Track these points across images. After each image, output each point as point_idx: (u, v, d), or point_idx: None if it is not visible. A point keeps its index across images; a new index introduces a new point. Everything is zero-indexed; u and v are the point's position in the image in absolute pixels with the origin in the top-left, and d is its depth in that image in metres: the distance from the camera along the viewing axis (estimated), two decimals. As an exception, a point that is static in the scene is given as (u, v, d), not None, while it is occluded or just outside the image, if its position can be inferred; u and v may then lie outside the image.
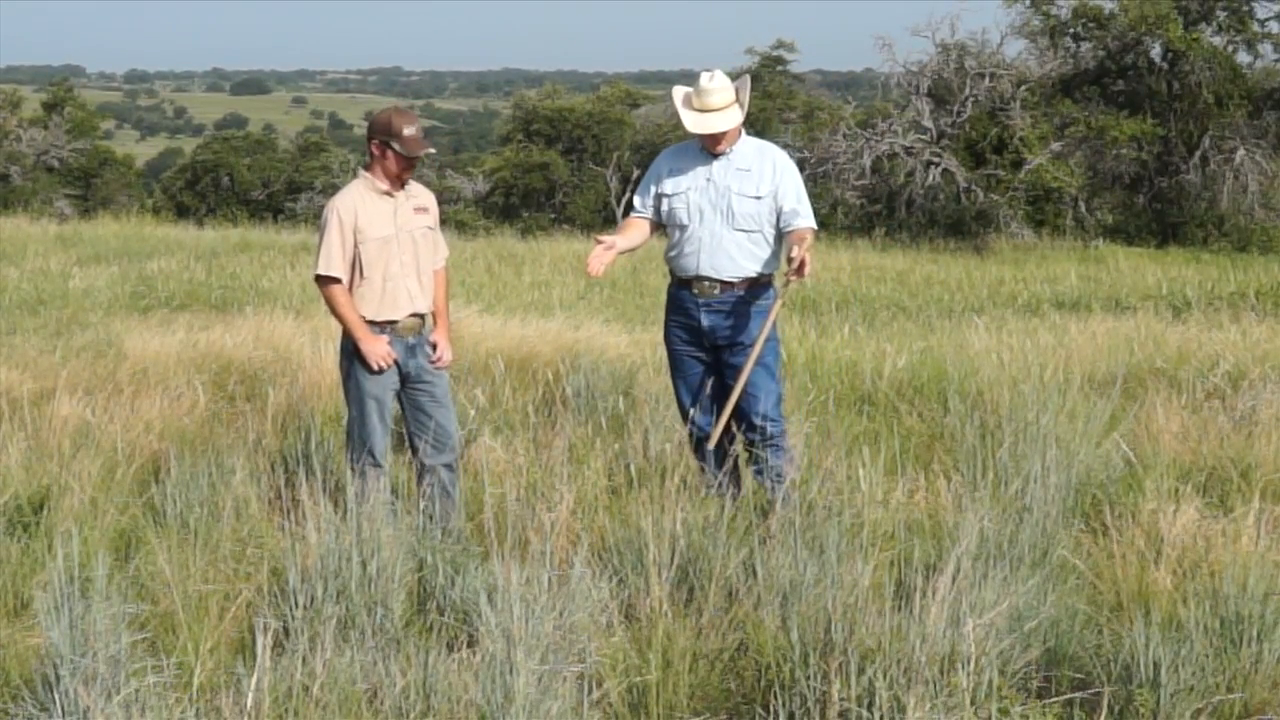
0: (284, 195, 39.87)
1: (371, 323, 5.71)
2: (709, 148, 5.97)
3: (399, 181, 5.76)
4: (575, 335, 10.11)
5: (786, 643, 4.05)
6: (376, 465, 5.73)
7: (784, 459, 5.86)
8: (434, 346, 5.90)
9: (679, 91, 6.06)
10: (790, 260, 5.67)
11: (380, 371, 5.71)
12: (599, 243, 5.94)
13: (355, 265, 5.70)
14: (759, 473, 5.83)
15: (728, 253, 5.91)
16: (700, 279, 5.95)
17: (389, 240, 5.72)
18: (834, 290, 16.95)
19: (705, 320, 5.96)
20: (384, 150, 5.71)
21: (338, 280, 5.69)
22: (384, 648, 4.33)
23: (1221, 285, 16.68)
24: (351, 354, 5.74)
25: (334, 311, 5.77)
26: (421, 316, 5.86)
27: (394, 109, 5.87)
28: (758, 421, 5.85)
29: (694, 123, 5.91)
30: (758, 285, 5.98)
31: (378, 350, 5.69)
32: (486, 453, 6.23)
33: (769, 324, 5.86)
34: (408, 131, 5.69)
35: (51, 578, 4.01)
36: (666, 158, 6.18)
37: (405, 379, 5.82)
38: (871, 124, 28.66)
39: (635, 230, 6.13)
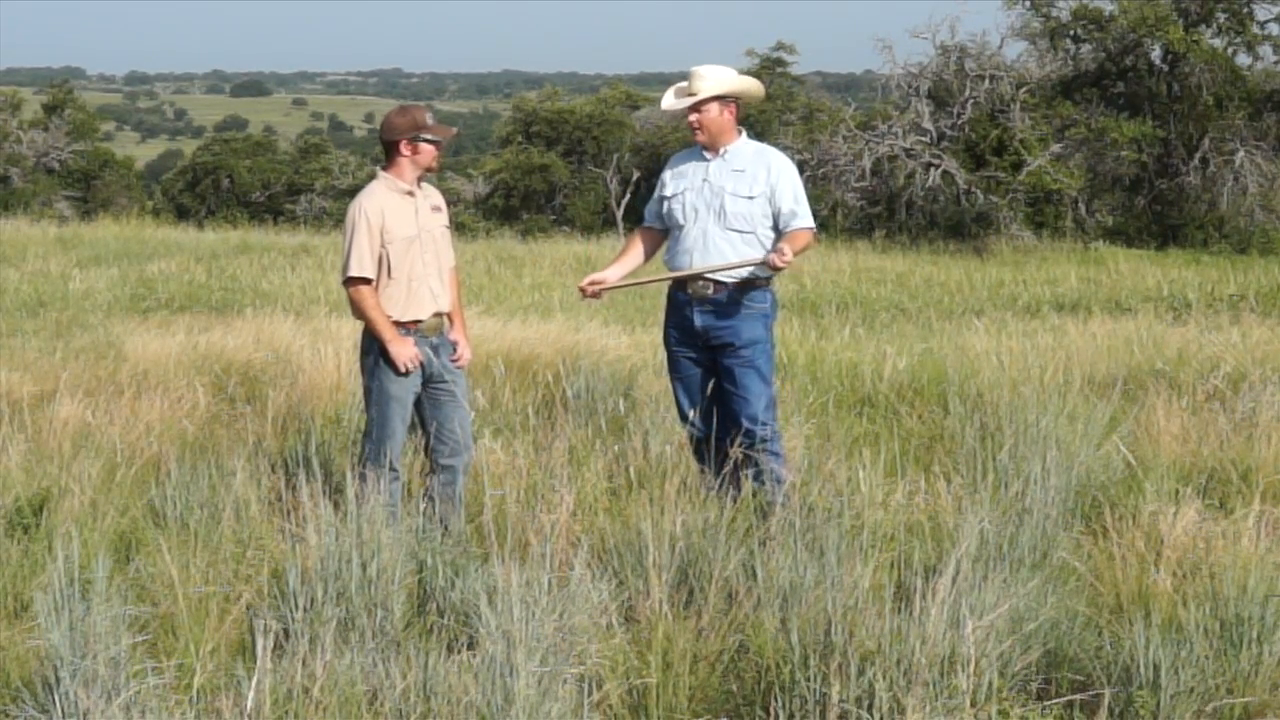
0: (284, 197, 39.87)
1: (397, 323, 5.71)
2: (698, 141, 6.05)
3: (429, 174, 5.85)
4: (575, 337, 10.11)
5: (786, 644, 4.05)
6: (392, 470, 5.71)
7: (779, 462, 5.86)
8: (454, 345, 5.92)
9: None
10: (779, 250, 5.75)
11: (407, 374, 5.71)
12: (590, 283, 6.16)
13: (382, 266, 5.71)
14: (756, 476, 5.83)
15: (720, 252, 5.93)
16: (694, 278, 5.97)
17: (413, 240, 5.74)
18: (834, 292, 16.97)
19: (699, 320, 5.98)
20: (415, 146, 5.73)
21: (368, 281, 5.69)
22: (384, 650, 4.33)
23: (1221, 287, 16.69)
24: (377, 355, 5.73)
25: (363, 313, 5.73)
26: (442, 316, 5.88)
27: (406, 106, 5.92)
28: (748, 425, 5.86)
29: (665, 102, 6.13)
30: (751, 287, 5.98)
31: (406, 352, 5.68)
32: (487, 454, 6.23)
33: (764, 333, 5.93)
34: (431, 120, 5.77)
35: (51, 580, 4.01)
36: (670, 162, 6.27)
37: (428, 380, 5.81)
38: (871, 126, 28.65)
39: (634, 250, 6.27)
